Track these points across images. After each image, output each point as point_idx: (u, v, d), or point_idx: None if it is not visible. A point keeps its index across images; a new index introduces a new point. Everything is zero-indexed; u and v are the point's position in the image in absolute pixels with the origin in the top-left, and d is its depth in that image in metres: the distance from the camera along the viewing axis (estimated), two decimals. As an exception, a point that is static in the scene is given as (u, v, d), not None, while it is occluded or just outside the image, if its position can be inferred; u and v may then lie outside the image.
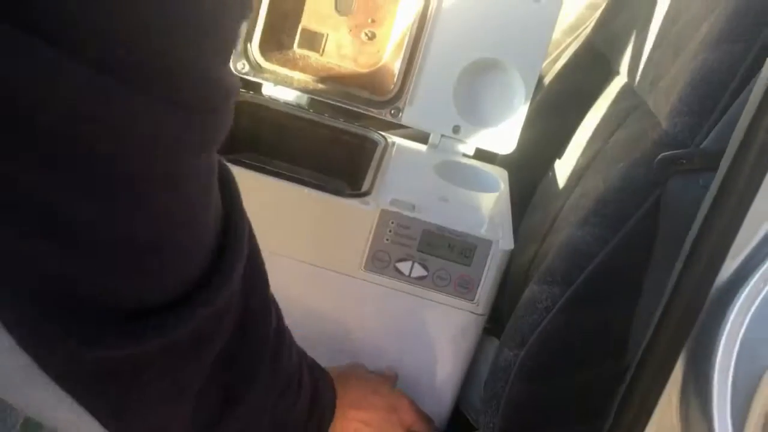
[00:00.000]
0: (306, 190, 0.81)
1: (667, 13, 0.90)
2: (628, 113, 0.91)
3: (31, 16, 0.27)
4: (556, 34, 1.49)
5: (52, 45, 0.27)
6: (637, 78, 0.92)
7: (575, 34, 1.48)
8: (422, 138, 1.07)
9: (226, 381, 0.47)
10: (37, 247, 0.32)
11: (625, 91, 0.96)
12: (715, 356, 0.52)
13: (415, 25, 1.01)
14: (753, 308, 0.51)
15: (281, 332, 0.56)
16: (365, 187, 0.86)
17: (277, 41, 1.04)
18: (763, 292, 0.52)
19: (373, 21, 1.04)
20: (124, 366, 0.38)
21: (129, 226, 0.34)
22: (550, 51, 1.50)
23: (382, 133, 1.03)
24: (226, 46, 0.35)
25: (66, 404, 0.39)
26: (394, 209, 0.82)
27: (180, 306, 0.38)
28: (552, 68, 1.44)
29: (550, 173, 1.07)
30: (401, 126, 1.05)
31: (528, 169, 1.10)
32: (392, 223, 0.82)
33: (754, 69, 0.61)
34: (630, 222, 0.65)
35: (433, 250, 0.83)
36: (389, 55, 1.04)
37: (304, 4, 1.03)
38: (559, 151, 1.10)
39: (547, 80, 1.35)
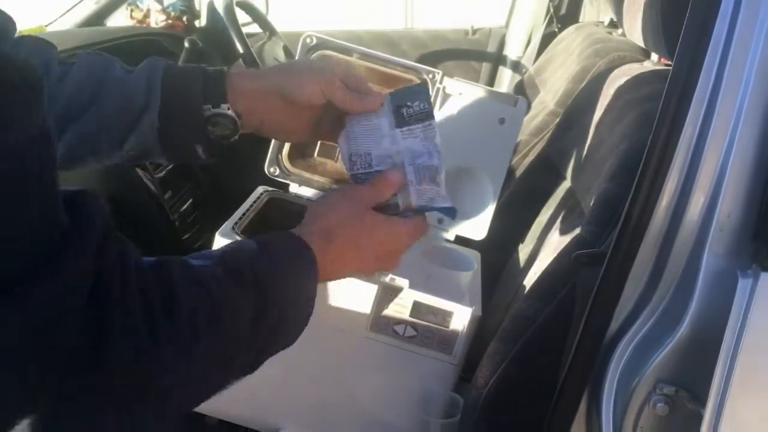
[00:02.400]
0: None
1: (596, 138, 1.20)
2: (570, 212, 1.20)
3: None
4: (525, 136, 1.81)
5: None
6: (577, 185, 1.22)
7: (540, 136, 1.79)
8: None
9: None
10: None
11: (569, 194, 1.26)
12: (603, 387, 0.79)
13: (409, 141, 1.30)
14: (625, 357, 0.78)
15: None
16: (370, 268, 1.14)
17: (301, 152, 1.34)
18: (633, 343, 0.79)
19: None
20: None
21: None
22: (520, 149, 1.81)
23: (383, 224, 1.32)
24: None
25: None
26: (393, 285, 1.10)
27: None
28: (522, 162, 1.75)
29: (515, 254, 1.36)
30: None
31: (499, 250, 1.39)
32: (391, 295, 1.10)
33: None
34: (557, 297, 0.93)
35: (421, 316, 1.10)
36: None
37: (322, 124, 1.33)
38: (522, 236, 1.39)
39: (517, 174, 1.65)
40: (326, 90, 0.75)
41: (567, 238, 1.05)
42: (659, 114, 0.75)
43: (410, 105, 0.78)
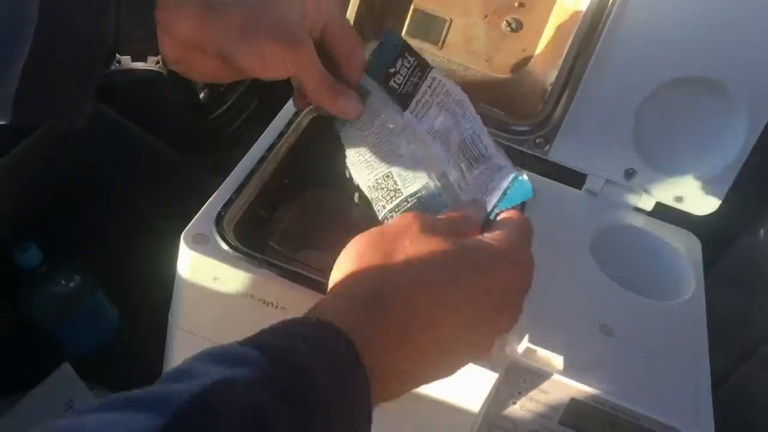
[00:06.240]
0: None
1: None
2: None
3: None
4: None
5: None
6: None
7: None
8: (576, 178, 0.74)
9: None
10: None
11: None
12: None
13: (587, 19, 0.65)
14: None
15: None
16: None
17: (376, 26, 0.71)
18: None
19: (521, 5, 0.69)
20: None
21: None
22: None
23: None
24: None
25: None
26: (529, 363, 0.53)
27: None
28: None
29: (756, 250, 0.72)
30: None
31: (727, 233, 0.76)
32: (524, 382, 0.53)
33: None
34: None
35: (584, 427, 0.54)
36: (540, 58, 0.70)
37: (418, -23, 0.69)
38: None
39: None
40: (294, 69, 0.51)
41: None
42: None
43: (395, 69, 0.52)
